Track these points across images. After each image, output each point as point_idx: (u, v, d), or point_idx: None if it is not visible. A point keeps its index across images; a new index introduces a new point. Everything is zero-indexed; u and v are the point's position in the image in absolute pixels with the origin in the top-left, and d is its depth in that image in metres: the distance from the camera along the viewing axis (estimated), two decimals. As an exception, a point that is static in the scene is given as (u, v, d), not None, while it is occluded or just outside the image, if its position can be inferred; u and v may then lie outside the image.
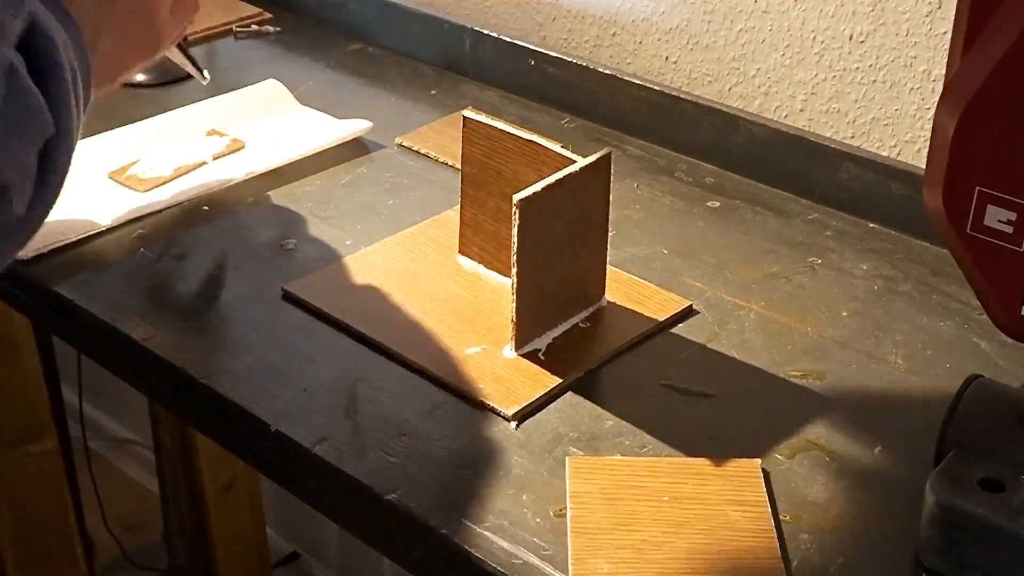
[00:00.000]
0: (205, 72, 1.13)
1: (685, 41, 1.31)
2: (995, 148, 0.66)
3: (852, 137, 1.22)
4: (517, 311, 0.91)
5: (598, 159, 0.92)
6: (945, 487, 0.73)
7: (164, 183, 1.14)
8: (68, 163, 0.71)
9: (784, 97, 1.25)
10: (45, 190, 0.69)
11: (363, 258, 1.04)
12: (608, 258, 0.97)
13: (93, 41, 0.77)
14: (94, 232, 1.07)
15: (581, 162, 0.91)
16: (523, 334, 0.92)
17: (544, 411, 0.88)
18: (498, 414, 0.87)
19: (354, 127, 1.23)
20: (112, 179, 1.15)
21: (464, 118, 0.99)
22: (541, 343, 0.94)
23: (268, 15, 1.52)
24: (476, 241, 1.02)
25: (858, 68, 1.19)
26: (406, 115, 1.30)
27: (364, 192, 1.15)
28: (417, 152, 1.22)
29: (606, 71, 1.27)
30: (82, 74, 0.72)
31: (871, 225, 1.12)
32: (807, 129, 1.22)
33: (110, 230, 1.08)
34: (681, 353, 0.94)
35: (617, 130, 1.27)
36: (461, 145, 1.00)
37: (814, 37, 1.21)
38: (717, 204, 1.15)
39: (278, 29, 1.50)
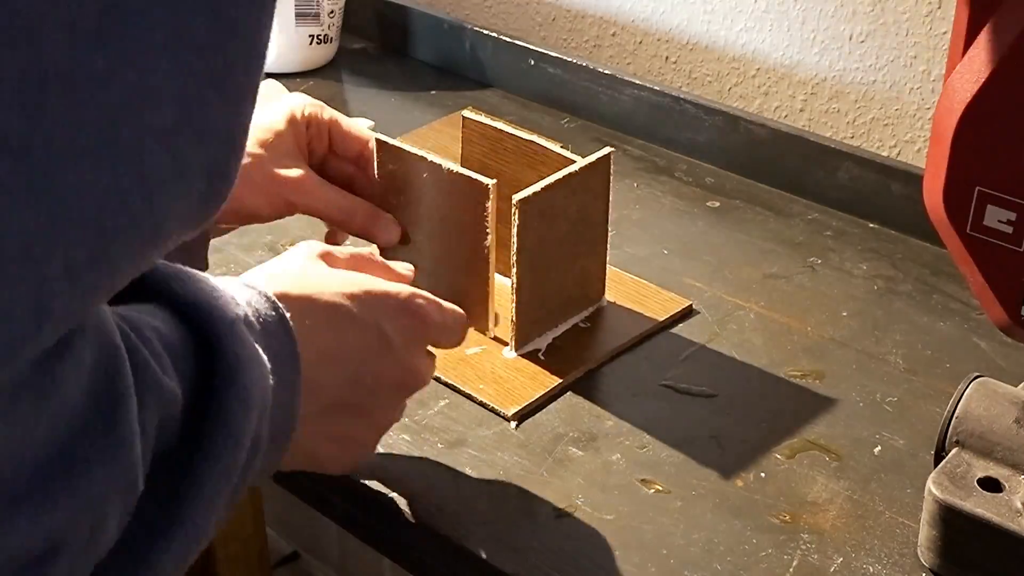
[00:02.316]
0: None
1: (685, 41, 1.31)
2: (995, 148, 0.66)
3: (852, 137, 1.21)
4: (517, 311, 0.91)
5: (598, 159, 0.92)
6: (945, 487, 0.73)
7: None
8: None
9: (784, 97, 1.25)
10: None
11: (363, 258, 1.04)
12: (608, 258, 0.97)
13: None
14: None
15: (581, 162, 0.91)
16: (523, 334, 0.92)
17: (544, 411, 0.88)
18: (498, 414, 0.87)
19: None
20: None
21: (464, 118, 0.99)
22: (541, 343, 0.93)
23: (268, 15, 1.52)
24: (476, 241, 1.02)
25: (858, 68, 1.19)
26: (406, 115, 1.30)
27: (364, 192, 1.15)
28: (417, 152, 1.22)
29: (606, 71, 1.27)
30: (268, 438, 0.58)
31: (871, 225, 1.12)
32: (807, 129, 1.22)
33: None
34: (681, 353, 0.94)
35: (617, 130, 1.27)
36: (461, 145, 1.00)
37: (814, 37, 1.21)
38: (717, 204, 1.15)
39: (278, 29, 1.50)
